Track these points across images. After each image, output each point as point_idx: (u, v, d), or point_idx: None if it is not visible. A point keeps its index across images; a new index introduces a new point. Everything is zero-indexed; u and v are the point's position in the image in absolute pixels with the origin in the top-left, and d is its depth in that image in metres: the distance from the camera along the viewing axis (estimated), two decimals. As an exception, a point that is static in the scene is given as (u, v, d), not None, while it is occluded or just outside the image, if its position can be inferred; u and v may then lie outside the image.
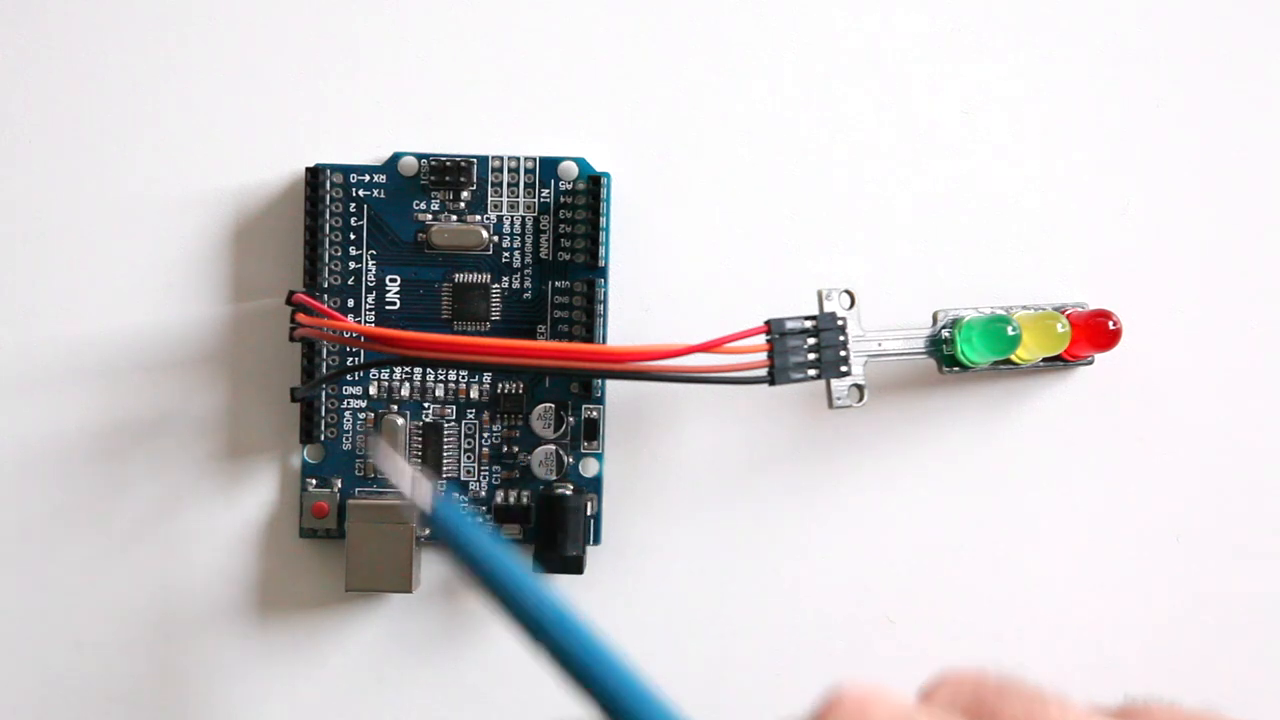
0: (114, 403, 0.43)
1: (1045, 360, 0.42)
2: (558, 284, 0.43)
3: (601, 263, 0.42)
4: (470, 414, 0.43)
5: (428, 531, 0.40)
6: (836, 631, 0.43)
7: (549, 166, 0.43)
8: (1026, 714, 0.29)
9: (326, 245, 0.43)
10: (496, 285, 0.43)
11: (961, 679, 0.29)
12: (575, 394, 0.43)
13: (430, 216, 0.43)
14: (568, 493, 0.42)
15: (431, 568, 0.43)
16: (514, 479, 0.43)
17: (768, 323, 0.39)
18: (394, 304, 0.43)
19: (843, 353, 0.40)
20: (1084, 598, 0.43)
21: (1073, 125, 0.43)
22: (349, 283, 0.43)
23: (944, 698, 0.29)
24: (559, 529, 0.42)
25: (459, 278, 0.43)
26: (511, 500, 0.43)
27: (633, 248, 0.43)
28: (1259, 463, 0.43)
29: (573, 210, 0.43)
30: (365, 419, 0.43)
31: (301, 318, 0.41)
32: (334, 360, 0.43)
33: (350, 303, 0.43)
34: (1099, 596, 0.43)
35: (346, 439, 0.43)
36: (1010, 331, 0.41)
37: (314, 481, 0.43)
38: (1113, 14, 0.43)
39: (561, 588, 0.43)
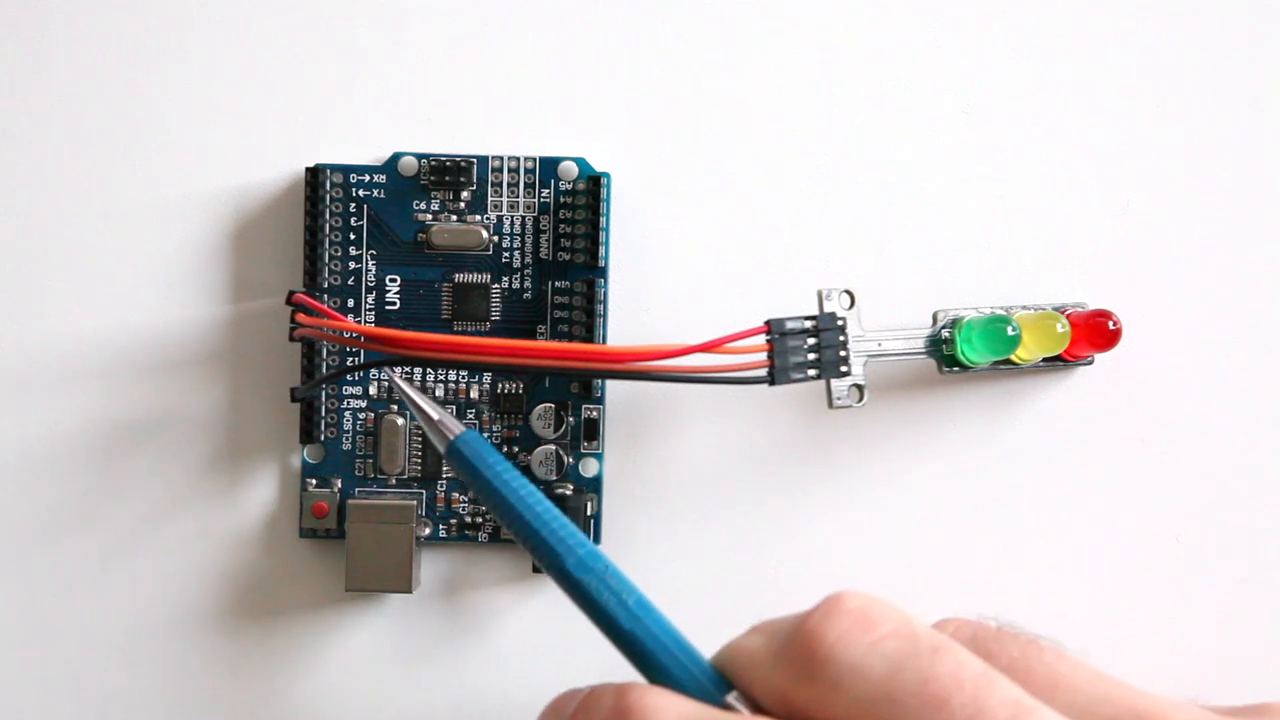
0: (114, 403, 0.43)
1: (1045, 360, 0.42)
2: (558, 284, 0.43)
3: (601, 263, 0.42)
4: (470, 414, 0.43)
5: (449, 462, 0.39)
6: (836, 631, 0.43)
7: (549, 166, 0.43)
8: (1023, 656, 0.29)
9: (326, 245, 0.43)
10: (496, 285, 0.43)
11: (961, 622, 0.30)
12: (575, 394, 0.43)
13: (430, 216, 0.43)
14: (568, 493, 0.42)
15: (431, 568, 0.43)
16: (514, 479, 0.43)
17: (768, 323, 0.39)
18: (394, 304, 0.43)
19: (843, 353, 0.40)
20: (1084, 598, 0.43)
21: (1072, 125, 0.43)
22: (349, 283, 0.43)
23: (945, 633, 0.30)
24: (559, 529, 0.42)
25: (459, 278, 0.43)
26: (511, 500, 0.43)
27: (633, 248, 0.43)
28: (1259, 462, 0.43)
29: (573, 210, 0.43)
30: (365, 419, 0.43)
31: (301, 318, 0.41)
32: (334, 360, 0.43)
33: (350, 303, 0.43)
34: (1099, 596, 0.43)
35: (346, 439, 0.43)
36: (1010, 331, 0.41)
37: (314, 481, 0.43)
38: (1112, 14, 0.43)
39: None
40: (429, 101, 0.43)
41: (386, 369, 0.42)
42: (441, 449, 0.37)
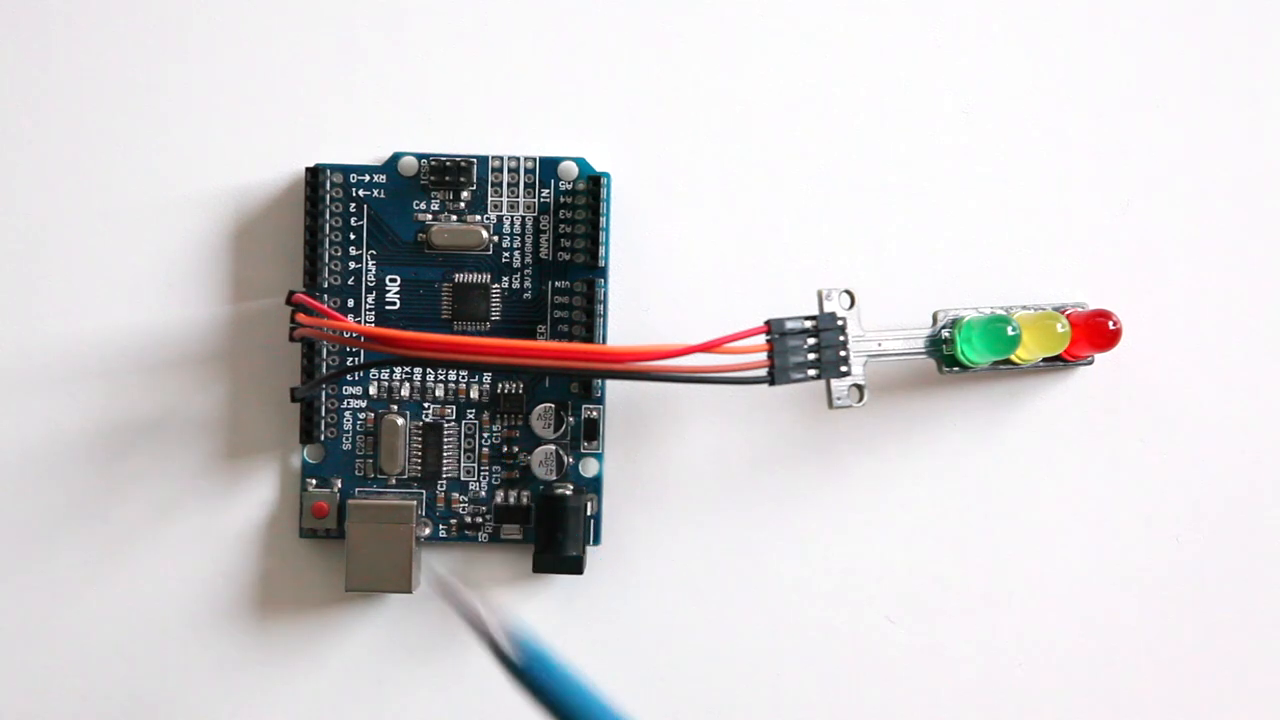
0: (114, 403, 0.43)
1: (1045, 360, 0.42)
2: (558, 284, 0.43)
3: (601, 263, 0.42)
4: (470, 414, 0.43)
5: (505, 671, 0.35)
6: (836, 631, 0.43)
7: (549, 166, 0.43)
8: None
9: (326, 245, 0.43)
10: (496, 285, 0.43)
11: None
12: (575, 394, 0.43)
13: (430, 216, 0.43)
14: (568, 493, 0.42)
15: (431, 568, 0.43)
16: (514, 479, 0.43)
17: (768, 323, 0.39)
18: (394, 304, 0.43)
19: (843, 353, 0.40)
20: (1083, 598, 0.43)
21: (1072, 125, 0.43)
22: (349, 283, 0.43)
23: None
24: (559, 529, 0.42)
25: (459, 278, 0.43)
26: (511, 500, 0.43)
27: (633, 248, 0.43)
28: (1259, 462, 0.43)
29: (573, 210, 0.43)
30: (365, 419, 0.43)
31: (301, 318, 0.41)
32: (334, 360, 0.43)
33: (350, 303, 0.43)
34: (1098, 597, 0.43)
35: (346, 439, 0.43)
36: (1010, 331, 0.41)
37: (314, 481, 0.43)
38: (1112, 14, 0.43)
39: (561, 588, 0.44)
40: (429, 101, 0.43)
41: (434, 574, 0.41)
42: (506, 672, 0.33)
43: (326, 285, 0.43)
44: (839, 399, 0.40)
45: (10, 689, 0.43)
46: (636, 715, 0.44)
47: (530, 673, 0.33)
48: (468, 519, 0.43)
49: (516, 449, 0.43)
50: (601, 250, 0.42)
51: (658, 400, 0.43)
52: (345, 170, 0.43)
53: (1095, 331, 0.42)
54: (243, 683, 0.43)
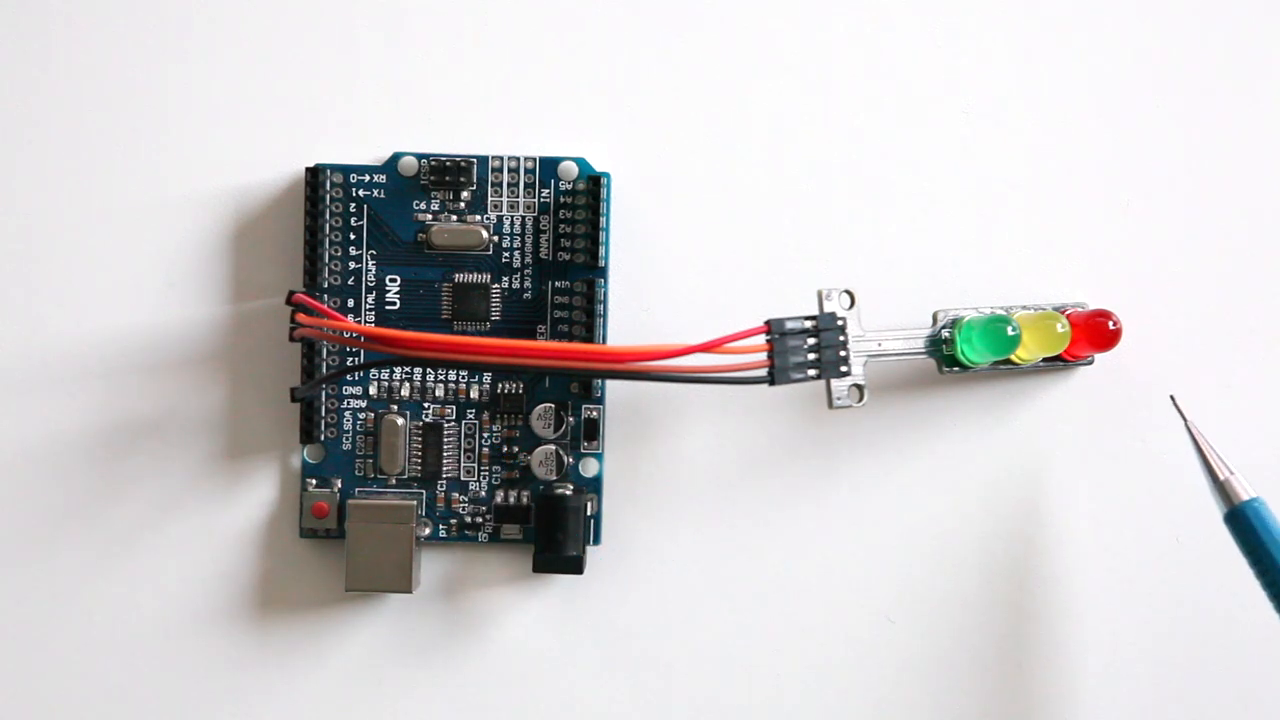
0: (114, 403, 0.43)
1: (1045, 360, 0.42)
2: (558, 284, 0.43)
3: (601, 263, 0.42)
4: (470, 414, 0.43)
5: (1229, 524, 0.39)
6: (836, 631, 0.43)
7: (549, 166, 0.43)
8: None
9: (326, 245, 0.43)
10: (496, 285, 0.43)
11: None
12: (575, 394, 0.43)
13: (430, 216, 0.43)
14: (568, 493, 0.42)
15: (431, 568, 0.43)
16: (514, 479, 0.43)
17: (768, 323, 0.39)
18: (394, 304, 0.43)
19: (843, 353, 0.40)
20: (1083, 598, 0.43)
21: (1073, 124, 0.43)
22: (349, 283, 0.43)
23: None
24: (559, 529, 0.42)
25: (459, 278, 0.43)
26: (511, 500, 0.43)
27: (633, 248, 0.43)
28: (1259, 463, 0.43)
29: (573, 210, 0.43)
30: (365, 419, 0.43)
31: (301, 318, 0.41)
32: (334, 360, 0.43)
33: (350, 303, 0.43)
34: (1098, 597, 0.43)
35: (346, 439, 0.43)
36: (1010, 331, 0.41)
37: (314, 481, 0.43)
38: (1113, 13, 0.43)
39: (561, 588, 0.44)
40: (429, 101, 0.43)
41: (1176, 407, 0.42)
42: (1223, 509, 0.39)
43: (326, 285, 0.43)
44: (839, 399, 0.40)
45: (10, 689, 0.43)
46: (636, 714, 0.44)
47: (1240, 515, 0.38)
48: (468, 519, 0.43)
49: (516, 449, 0.43)
50: (601, 250, 0.42)
51: (658, 400, 0.43)
52: (345, 170, 0.43)
53: (1095, 331, 0.42)
54: (243, 683, 0.43)
